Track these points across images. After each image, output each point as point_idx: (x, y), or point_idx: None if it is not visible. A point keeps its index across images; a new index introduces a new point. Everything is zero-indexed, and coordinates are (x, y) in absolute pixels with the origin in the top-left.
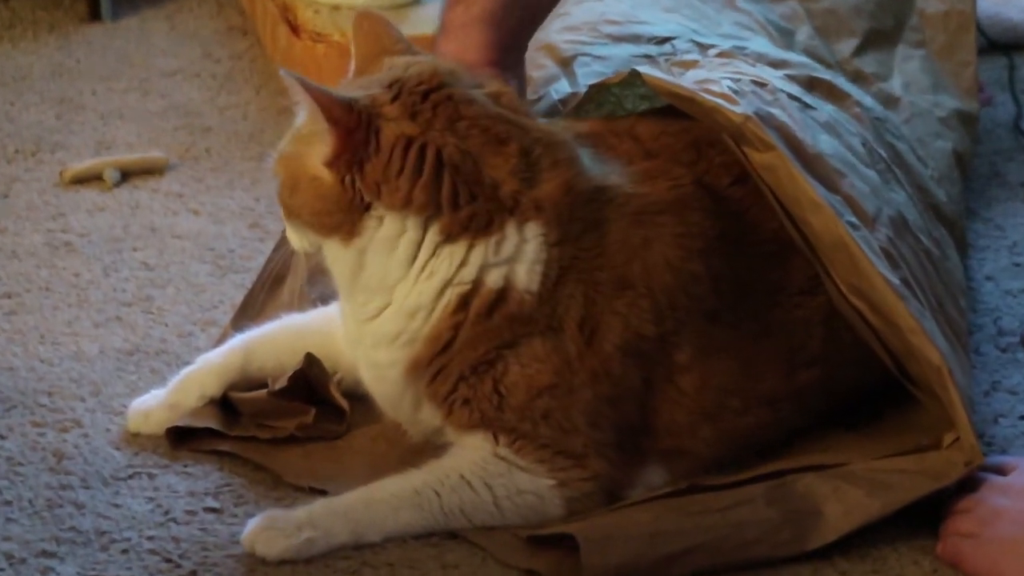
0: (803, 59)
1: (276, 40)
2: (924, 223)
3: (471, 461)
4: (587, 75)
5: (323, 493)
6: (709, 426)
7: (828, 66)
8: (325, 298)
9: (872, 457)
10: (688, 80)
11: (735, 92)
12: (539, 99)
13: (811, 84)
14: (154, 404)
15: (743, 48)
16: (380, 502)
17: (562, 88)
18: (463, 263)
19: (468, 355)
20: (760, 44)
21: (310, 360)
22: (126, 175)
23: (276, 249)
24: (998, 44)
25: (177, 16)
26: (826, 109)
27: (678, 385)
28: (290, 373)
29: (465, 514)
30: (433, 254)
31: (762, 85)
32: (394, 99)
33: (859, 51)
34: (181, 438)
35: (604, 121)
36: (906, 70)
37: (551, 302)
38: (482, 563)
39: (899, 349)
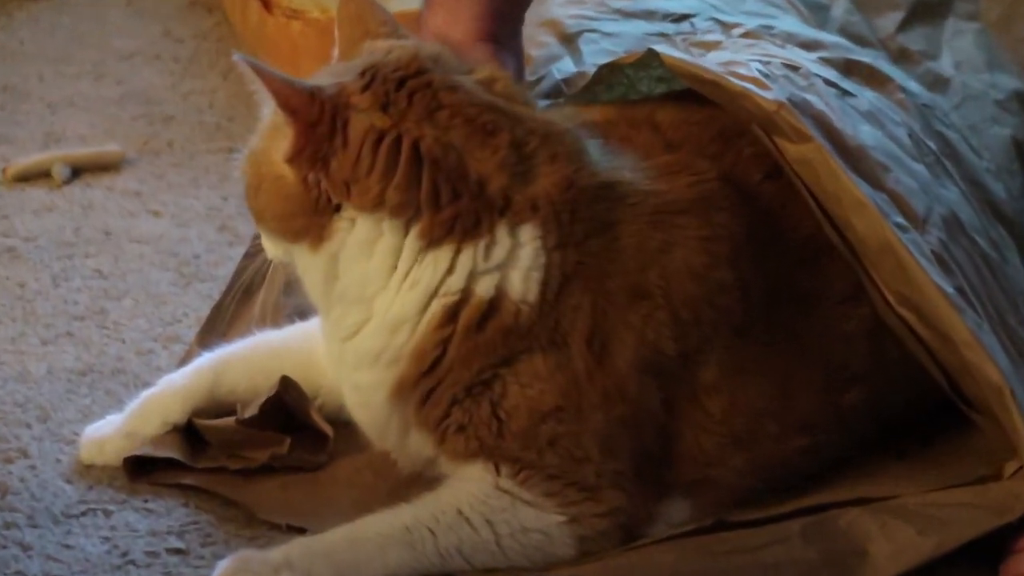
0: (838, 39)
1: (246, 17)
2: (980, 223)
3: (470, 495)
4: (594, 53)
5: (302, 531)
6: (739, 454)
7: (868, 44)
8: (303, 312)
9: (924, 489)
10: (710, 62)
11: (765, 76)
12: (539, 80)
13: (848, 68)
14: (110, 431)
15: (771, 28)
16: (366, 541)
17: (566, 67)
18: (449, 270)
19: (460, 375)
20: (789, 23)
21: (286, 383)
22: (77, 171)
23: (247, 256)
24: None
25: None
26: (866, 96)
27: (704, 407)
28: (262, 400)
29: (463, 555)
30: (415, 261)
31: (794, 69)
32: (365, 88)
33: (904, 26)
34: (140, 470)
35: (619, 107)
36: (957, 47)
37: (553, 314)
38: None
39: (954, 366)
